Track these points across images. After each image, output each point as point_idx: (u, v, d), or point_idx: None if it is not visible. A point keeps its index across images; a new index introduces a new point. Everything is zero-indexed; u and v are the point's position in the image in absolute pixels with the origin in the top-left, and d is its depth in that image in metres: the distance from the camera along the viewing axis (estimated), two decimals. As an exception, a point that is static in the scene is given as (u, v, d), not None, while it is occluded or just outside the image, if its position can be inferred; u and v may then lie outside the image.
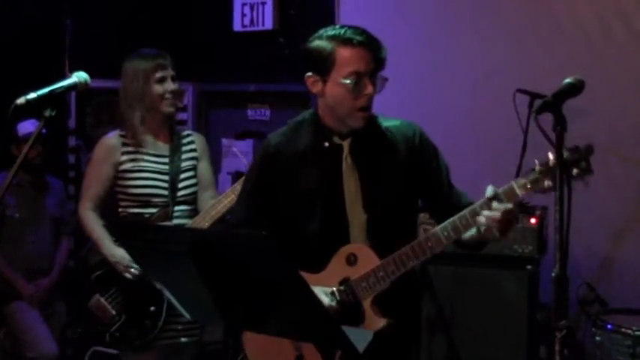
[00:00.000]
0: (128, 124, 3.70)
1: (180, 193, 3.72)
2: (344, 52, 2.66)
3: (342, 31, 2.69)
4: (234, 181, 6.01)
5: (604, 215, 4.59)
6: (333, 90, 2.70)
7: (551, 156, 2.35)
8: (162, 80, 3.65)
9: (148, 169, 3.68)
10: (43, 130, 4.46)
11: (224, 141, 6.13)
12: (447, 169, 2.91)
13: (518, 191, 2.48)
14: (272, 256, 1.97)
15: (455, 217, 2.60)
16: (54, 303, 5.38)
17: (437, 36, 5.17)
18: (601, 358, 3.97)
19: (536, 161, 2.41)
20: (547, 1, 4.88)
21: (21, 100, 2.53)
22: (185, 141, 3.82)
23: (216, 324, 3.68)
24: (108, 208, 3.81)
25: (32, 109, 2.60)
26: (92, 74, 2.80)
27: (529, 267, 4.27)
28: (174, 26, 6.02)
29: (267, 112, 6.05)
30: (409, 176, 2.83)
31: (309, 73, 2.74)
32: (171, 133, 3.79)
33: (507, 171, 4.51)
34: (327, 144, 2.80)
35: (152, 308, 3.58)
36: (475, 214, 2.55)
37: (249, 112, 6.12)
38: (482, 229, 2.56)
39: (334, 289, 2.74)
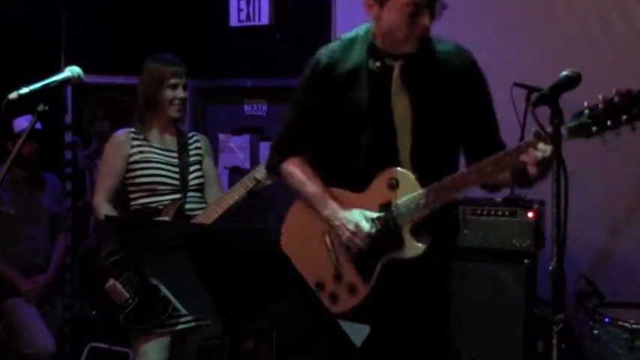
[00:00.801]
0: (139, 120, 3.91)
1: (192, 182, 3.92)
2: None
3: None
4: (231, 176, 6.02)
5: (602, 208, 4.58)
6: (390, 16, 2.66)
7: (601, 98, 2.29)
8: (174, 87, 3.86)
9: (156, 160, 3.87)
10: (38, 126, 4.48)
11: (221, 136, 6.12)
12: (493, 110, 2.88)
13: (564, 132, 2.32)
14: (269, 250, 1.97)
15: (500, 153, 2.56)
16: (51, 299, 5.37)
17: (434, 30, 5.15)
18: (598, 351, 3.96)
19: (585, 103, 2.32)
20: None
21: (13, 95, 2.52)
22: (191, 140, 4.03)
23: (212, 319, 3.69)
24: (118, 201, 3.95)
25: (26, 104, 2.59)
26: (89, 70, 2.79)
27: (527, 261, 4.27)
28: (170, 22, 6.01)
29: (264, 107, 6.04)
30: (458, 105, 2.78)
31: None
32: (177, 132, 4.00)
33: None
34: (378, 64, 2.78)
35: (163, 293, 3.65)
36: (520, 151, 2.50)
37: (246, 108, 6.11)
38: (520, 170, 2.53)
39: (375, 216, 2.74)
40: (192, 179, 3.93)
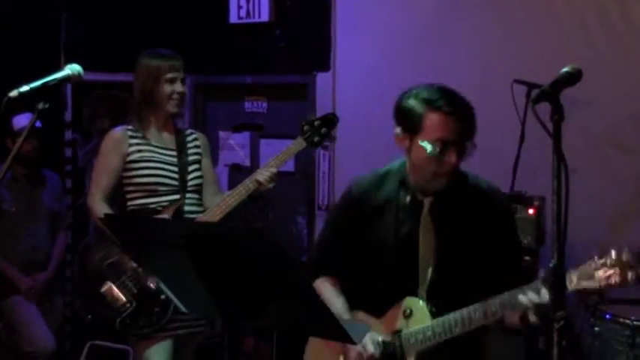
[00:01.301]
0: (137, 118, 3.81)
1: (190, 183, 3.83)
2: (433, 118, 2.67)
3: (437, 97, 2.69)
4: (231, 173, 6.02)
5: (602, 205, 4.58)
6: (418, 151, 2.71)
7: (613, 254, 2.37)
8: (172, 81, 3.77)
9: (155, 159, 3.78)
10: (38, 124, 4.48)
11: (221, 133, 6.11)
12: (519, 248, 2.96)
13: (570, 284, 2.42)
14: (271, 249, 1.96)
15: (505, 294, 2.58)
16: (51, 297, 5.37)
17: (434, 27, 5.16)
18: (599, 348, 3.96)
19: (595, 258, 2.42)
20: (545, -8, 4.86)
21: (14, 93, 2.52)
22: (189, 138, 3.95)
23: (212, 317, 3.68)
24: (114, 201, 3.87)
25: (26, 102, 2.58)
26: (88, 67, 2.78)
27: (527, 258, 4.26)
28: (170, 19, 6.00)
29: (264, 104, 6.04)
30: (485, 245, 2.82)
31: (399, 130, 2.77)
32: (176, 129, 3.92)
33: (505, 161, 4.53)
34: (408, 198, 2.84)
35: (162, 297, 3.61)
36: (519, 293, 2.54)
37: (246, 105, 6.10)
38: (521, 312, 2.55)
39: (381, 339, 2.81)
40: (191, 179, 3.84)
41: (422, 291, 2.82)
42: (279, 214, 5.68)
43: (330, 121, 3.83)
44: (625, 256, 2.35)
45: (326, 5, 5.58)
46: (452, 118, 2.66)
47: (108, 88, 5.87)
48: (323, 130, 3.81)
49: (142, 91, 3.78)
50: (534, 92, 4.58)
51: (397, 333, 2.82)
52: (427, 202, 2.81)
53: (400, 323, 2.82)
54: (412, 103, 2.72)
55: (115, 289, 3.67)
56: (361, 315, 2.94)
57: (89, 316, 3.81)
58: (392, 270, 2.85)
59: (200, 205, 3.88)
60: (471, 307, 2.66)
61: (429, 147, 2.65)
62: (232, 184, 5.86)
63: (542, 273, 2.51)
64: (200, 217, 3.79)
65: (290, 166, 5.63)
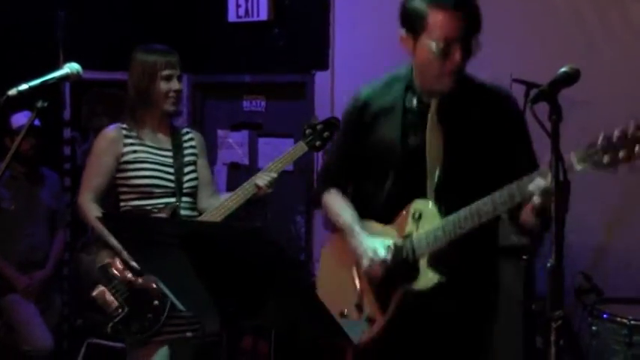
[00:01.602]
0: (131, 116, 3.71)
1: (185, 185, 3.74)
2: (436, 16, 2.61)
3: None
4: (229, 172, 6.03)
5: (599, 204, 4.58)
6: (422, 52, 2.67)
7: (616, 132, 2.25)
8: (169, 78, 3.65)
9: (150, 161, 3.68)
10: (37, 122, 4.48)
11: (220, 132, 6.12)
12: (529, 144, 2.83)
13: (573, 161, 2.34)
14: (269, 249, 1.97)
15: (513, 183, 2.53)
16: (49, 296, 5.37)
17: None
18: (597, 347, 3.97)
19: (602, 134, 2.29)
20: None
21: (12, 92, 2.52)
22: (185, 138, 3.85)
23: (211, 316, 3.68)
24: (105, 201, 3.80)
25: (25, 101, 2.58)
26: (87, 66, 2.78)
27: (525, 257, 4.27)
28: (169, 17, 6.00)
29: (263, 103, 6.04)
30: (494, 143, 2.78)
31: (402, 31, 2.73)
32: (171, 128, 3.81)
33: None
34: (415, 101, 2.81)
35: (155, 302, 3.57)
36: (526, 181, 2.48)
37: (245, 103, 6.10)
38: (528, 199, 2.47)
39: (391, 243, 2.77)
40: (187, 181, 3.73)
41: (430, 193, 2.78)
42: (277, 213, 5.68)
43: (333, 125, 3.80)
44: (632, 130, 2.22)
45: (325, 4, 5.58)
46: (456, 16, 2.61)
47: (106, 87, 5.87)
48: (325, 134, 3.79)
49: (137, 88, 3.66)
50: (533, 92, 4.58)
51: (407, 236, 2.79)
52: (433, 103, 2.77)
53: (410, 226, 2.79)
54: (415, 2, 2.67)
55: (107, 294, 3.60)
56: (371, 223, 2.91)
57: (80, 321, 3.73)
58: (400, 173, 2.83)
59: (194, 208, 3.80)
60: (480, 201, 2.61)
61: (433, 45, 2.61)
62: (231, 183, 5.88)
63: (547, 158, 2.32)
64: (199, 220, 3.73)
65: (289, 166, 5.62)
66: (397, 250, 2.77)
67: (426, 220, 2.76)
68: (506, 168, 2.76)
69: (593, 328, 3.97)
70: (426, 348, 2.85)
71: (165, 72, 3.64)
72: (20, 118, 5.06)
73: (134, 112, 3.70)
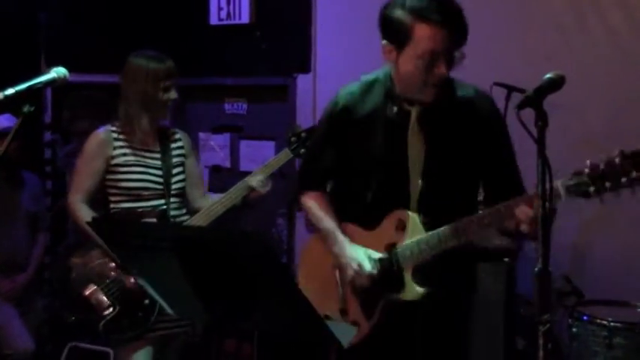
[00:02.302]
0: (124, 119, 3.75)
1: (174, 187, 3.80)
2: (423, 29, 2.59)
3: (425, 5, 2.60)
4: (211, 175, 6.02)
5: (579, 207, 4.59)
6: (406, 64, 2.66)
7: (602, 162, 2.31)
8: (168, 88, 3.73)
9: (140, 164, 3.73)
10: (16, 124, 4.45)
11: (201, 135, 6.12)
12: (513, 157, 2.86)
13: (561, 191, 2.41)
14: (261, 253, 1.98)
15: (499, 205, 2.56)
16: (30, 299, 5.34)
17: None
18: (577, 348, 4.00)
19: (588, 162, 2.35)
20: (523, -6, 4.90)
21: (-1, 96, 2.51)
22: (173, 138, 3.91)
23: (198, 320, 3.69)
24: (95, 204, 3.82)
25: (9, 105, 2.57)
26: (68, 68, 2.77)
27: (507, 259, 4.30)
28: (150, 20, 5.99)
29: (244, 106, 6.05)
30: (476, 151, 2.78)
31: (385, 42, 2.71)
32: (159, 130, 3.86)
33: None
34: (395, 109, 2.79)
35: (146, 301, 3.61)
36: (514, 206, 2.51)
37: (227, 106, 6.11)
38: (515, 224, 2.52)
39: (377, 257, 2.79)
40: (175, 183, 3.80)
41: (413, 202, 2.79)
42: (258, 215, 5.68)
43: None
44: (618, 161, 2.28)
45: (307, 7, 5.59)
46: (442, 28, 2.59)
47: (88, 89, 5.84)
48: (309, 142, 3.81)
49: (141, 94, 3.69)
50: (514, 96, 4.63)
51: (392, 247, 2.79)
52: (414, 111, 2.77)
53: (393, 236, 2.79)
54: (399, 13, 2.64)
55: (99, 292, 3.65)
56: (353, 228, 2.91)
57: (72, 318, 3.79)
58: (382, 182, 2.82)
59: (182, 208, 3.87)
60: (465, 219, 2.63)
61: (419, 58, 2.61)
62: (213, 185, 5.88)
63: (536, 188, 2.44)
64: (186, 223, 3.78)
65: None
66: (382, 263, 2.80)
67: (409, 231, 2.77)
68: (489, 179, 2.83)
69: (574, 330, 4.01)
70: (408, 348, 2.88)
71: (167, 82, 3.71)
72: (1, 121, 5.02)
73: (128, 116, 3.73)
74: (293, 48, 5.66)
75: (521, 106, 2.16)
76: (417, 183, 2.78)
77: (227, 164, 6.01)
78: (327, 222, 2.94)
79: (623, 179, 2.26)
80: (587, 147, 4.62)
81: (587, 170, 2.34)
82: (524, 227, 2.47)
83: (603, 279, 4.55)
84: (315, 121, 5.14)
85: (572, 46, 4.71)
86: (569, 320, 4.05)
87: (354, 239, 2.88)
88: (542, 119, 2.13)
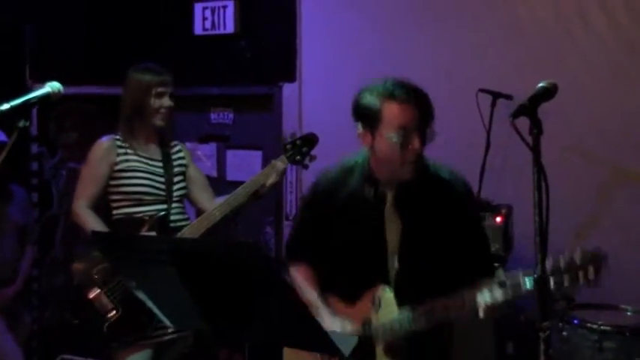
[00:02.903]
0: (125, 128, 3.91)
1: (175, 193, 3.94)
2: (391, 108, 2.78)
3: (390, 88, 2.80)
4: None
5: (567, 212, 4.64)
6: (382, 144, 2.81)
7: (561, 260, 2.46)
8: (161, 95, 3.88)
9: (142, 169, 3.87)
10: (3, 138, 4.44)
11: (188, 145, 6.08)
12: (484, 238, 3.06)
13: (528, 284, 2.53)
14: (259, 263, 1.99)
15: (466, 292, 2.66)
16: (18, 312, 5.33)
17: (400, 38, 5.20)
18: (568, 352, 4.02)
19: (551, 260, 2.46)
20: (508, 1, 4.93)
21: (-5, 111, 2.51)
22: (174, 150, 4.06)
23: (199, 331, 3.72)
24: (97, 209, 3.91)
25: (2, 120, 2.58)
26: (54, 80, 2.78)
27: (496, 265, 4.32)
28: (136, 31, 5.99)
29: (231, 116, 6.05)
30: (449, 231, 2.91)
31: (360, 127, 2.87)
32: (160, 141, 4.01)
33: (470, 170, 4.59)
34: (372, 192, 2.93)
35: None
36: (477, 293, 2.64)
37: (212, 116, 6.11)
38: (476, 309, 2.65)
39: (354, 332, 2.89)
40: (176, 190, 3.95)
41: (391, 282, 2.91)
42: (246, 224, 5.69)
43: (311, 141, 4.02)
44: (577, 258, 2.47)
45: (291, 16, 5.60)
46: (408, 106, 2.77)
47: (74, 101, 5.83)
48: (304, 149, 3.98)
49: (132, 102, 3.87)
50: (502, 104, 4.66)
51: (366, 323, 2.90)
52: (390, 194, 2.92)
53: (369, 313, 2.90)
54: (368, 98, 2.82)
55: (103, 296, 3.72)
56: (335, 301, 3.02)
57: (76, 321, 3.84)
58: (361, 263, 2.95)
59: (184, 213, 4.00)
60: (430, 303, 2.73)
61: (392, 136, 2.75)
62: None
63: (501, 274, 2.61)
64: (201, 218, 3.87)
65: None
66: (359, 337, 2.86)
67: (385, 309, 2.88)
68: (461, 261, 2.93)
69: (564, 333, 4.03)
70: None
71: (159, 89, 3.87)
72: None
73: (129, 125, 3.90)
74: (278, 57, 5.67)
75: (516, 115, 2.19)
76: (394, 263, 2.93)
77: (214, 174, 6.01)
78: (310, 294, 3.05)
79: (581, 275, 2.46)
80: (574, 153, 4.67)
81: (550, 267, 2.43)
82: (480, 312, 2.62)
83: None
84: (302, 129, 5.20)
85: (559, 54, 4.74)
86: (560, 324, 4.07)
87: (335, 311, 3.00)
88: (537, 127, 2.15)
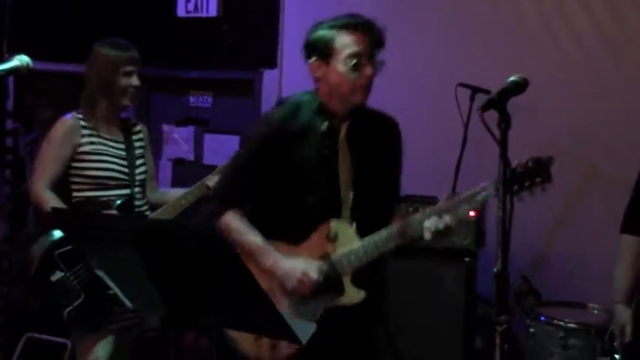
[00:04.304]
0: (88, 106, 3.77)
1: (138, 177, 3.85)
2: (344, 36, 2.88)
3: (342, 19, 2.92)
4: (174, 168, 5.99)
5: (539, 209, 4.64)
6: (334, 72, 2.89)
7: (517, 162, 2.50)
8: (130, 74, 3.77)
9: (107, 153, 3.76)
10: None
11: (165, 127, 6.07)
12: (400, 173, 3.18)
13: (494, 189, 2.57)
14: (220, 247, 1.98)
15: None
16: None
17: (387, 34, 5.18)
18: (534, 348, 4.06)
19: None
20: (490, -3, 4.93)
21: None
22: (135, 130, 3.95)
23: (156, 313, 3.69)
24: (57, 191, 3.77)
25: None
26: (32, 56, 2.75)
27: (467, 259, 4.34)
28: (118, 10, 5.94)
29: (209, 99, 6.01)
30: (386, 163, 3.08)
31: (312, 60, 2.93)
32: (121, 121, 3.90)
33: (447, 164, 4.59)
34: (325, 125, 2.97)
35: (111, 291, 3.57)
36: (420, 219, 2.77)
37: (191, 99, 6.06)
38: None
39: (319, 265, 2.92)
40: (139, 174, 3.85)
41: (345, 212, 2.97)
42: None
43: None
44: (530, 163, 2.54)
45: (274, 2, 5.57)
46: (360, 32, 2.89)
47: (51, 78, 5.78)
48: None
49: (99, 80, 3.73)
50: (479, 97, 4.66)
51: (324, 257, 2.94)
52: (343, 127, 2.99)
53: (326, 247, 2.94)
54: (320, 31, 2.94)
55: (65, 280, 3.63)
56: (278, 244, 2.99)
57: (38, 305, 3.76)
58: (315, 194, 2.97)
59: (143, 198, 3.90)
60: (400, 222, 2.85)
61: (345, 62, 2.85)
62: (176, 179, 5.85)
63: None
64: (152, 215, 3.81)
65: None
66: (322, 270, 2.91)
67: (343, 241, 2.92)
68: (390, 193, 3.13)
69: (531, 329, 4.07)
70: (334, 350, 2.96)
71: (127, 68, 3.75)
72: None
73: (91, 102, 3.76)
74: (260, 43, 5.64)
75: (484, 108, 2.19)
76: (348, 195, 2.98)
77: (191, 157, 5.98)
78: (255, 238, 3.00)
79: (538, 179, 2.55)
80: (550, 151, 4.66)
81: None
82: (427, 235, 2.75)
83: (561, 281, 4.61)
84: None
85: (538, 50, 4.75)
86: (527, 320, 4.10)
87: (283, 254, 2.97)
88: (505, 121, 2.15)
